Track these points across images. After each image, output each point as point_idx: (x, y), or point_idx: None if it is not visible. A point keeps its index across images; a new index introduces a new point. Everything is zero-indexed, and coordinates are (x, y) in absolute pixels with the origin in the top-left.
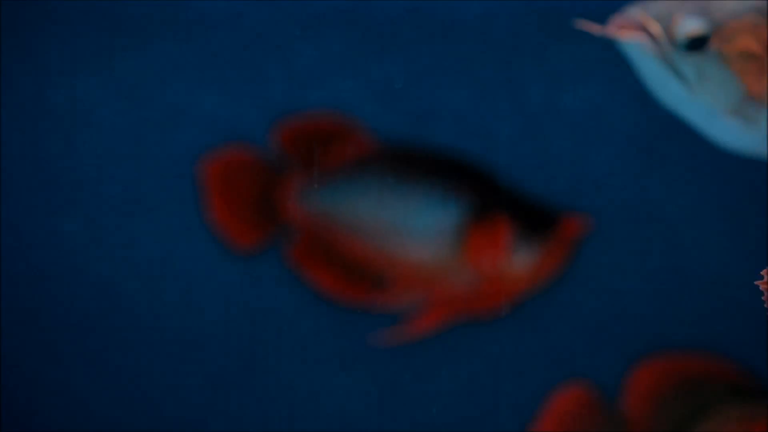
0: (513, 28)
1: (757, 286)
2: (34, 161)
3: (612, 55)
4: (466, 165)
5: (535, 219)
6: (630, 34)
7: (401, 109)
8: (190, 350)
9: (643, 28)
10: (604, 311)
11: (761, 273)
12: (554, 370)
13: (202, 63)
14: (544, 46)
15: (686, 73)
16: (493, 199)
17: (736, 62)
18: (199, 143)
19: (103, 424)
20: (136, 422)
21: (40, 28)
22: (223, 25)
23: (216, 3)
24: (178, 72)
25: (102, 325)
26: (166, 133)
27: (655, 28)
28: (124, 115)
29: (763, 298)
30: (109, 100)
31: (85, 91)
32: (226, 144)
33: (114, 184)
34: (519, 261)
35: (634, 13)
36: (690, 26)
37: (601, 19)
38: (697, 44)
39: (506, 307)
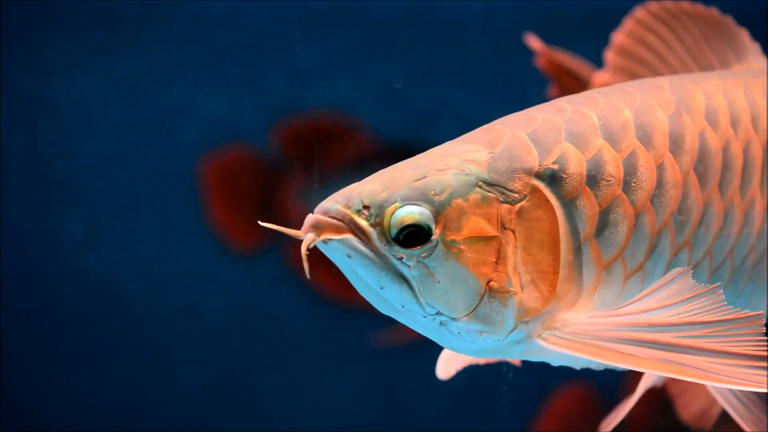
0: (513, 28)
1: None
2: (34, 161)
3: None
4: None
5: None
6: (329, 233)
7: (401, 109)
8: (191, 349)
9: (346, 223)
10: None
11: None
12: (554, 370)
13: (202, 63)
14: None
15: (407, 273)
16: None
17: (467, 251)
18: (199, 143)
19: (103, 424)
20: (136, 422)
21: (40, 28)
22: (223, 24)
23: (216, 3)
24: (178, 72)
25: (102, 325)
26: (166, 133)
27: (361, 221)
28: (124, 115)
29: None
30: (109, 100)
31: (85, 91)
32: (226, 144)
33: (114, 184)
34: None
35: (333, 204)
36: (405, 215)
37: (603, 19)
38: (416, 237)
39: None
